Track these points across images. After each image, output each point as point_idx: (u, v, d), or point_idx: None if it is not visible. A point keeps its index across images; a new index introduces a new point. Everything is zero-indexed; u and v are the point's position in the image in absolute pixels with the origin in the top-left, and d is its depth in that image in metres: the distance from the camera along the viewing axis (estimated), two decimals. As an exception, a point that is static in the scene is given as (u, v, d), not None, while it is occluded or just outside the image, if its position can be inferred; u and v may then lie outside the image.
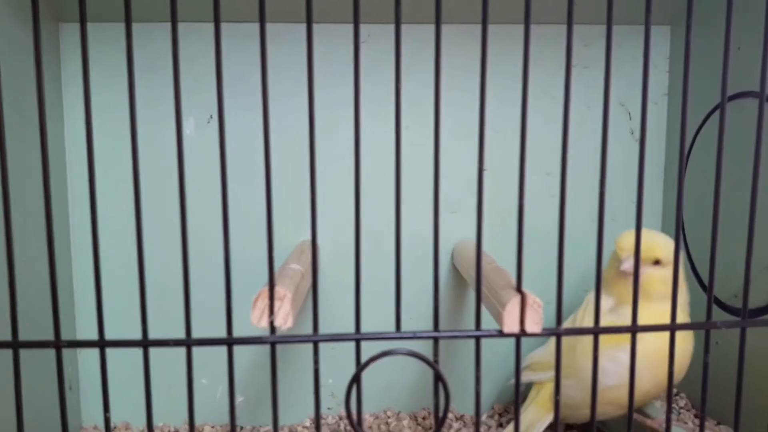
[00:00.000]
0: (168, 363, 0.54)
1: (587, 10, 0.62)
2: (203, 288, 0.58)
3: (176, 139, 0.40)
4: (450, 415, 0.79)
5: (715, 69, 0.68)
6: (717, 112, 0.70)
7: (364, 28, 0.76)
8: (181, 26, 0.73)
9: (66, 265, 0.73)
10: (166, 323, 0.48)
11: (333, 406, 0.81)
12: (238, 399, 0.80)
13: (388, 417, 0.77)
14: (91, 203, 0.40)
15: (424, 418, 0.78)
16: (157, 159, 0.72)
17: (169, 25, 0.73)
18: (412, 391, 0.81)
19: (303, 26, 0.75)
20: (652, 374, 0.59)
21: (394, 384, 0.81)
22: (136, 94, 0.76)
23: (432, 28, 0.75)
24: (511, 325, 0.42)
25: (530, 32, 0.39)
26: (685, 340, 0.62)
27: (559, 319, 0.43)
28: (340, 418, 0.78)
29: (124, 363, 0.57)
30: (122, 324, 0.61)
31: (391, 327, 0.42)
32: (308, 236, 0.76)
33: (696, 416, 0.71)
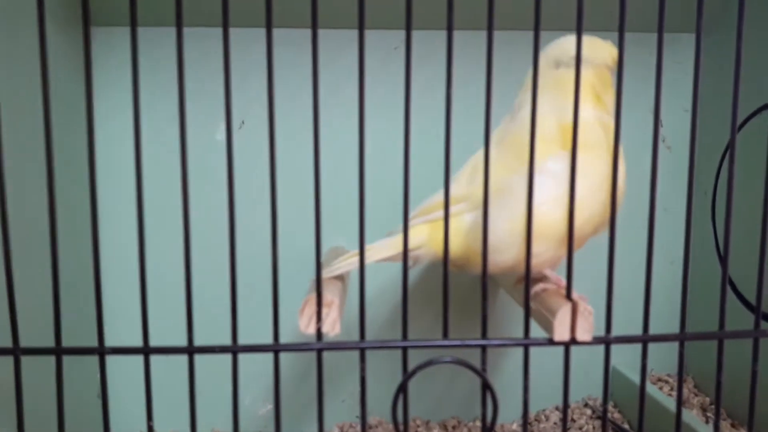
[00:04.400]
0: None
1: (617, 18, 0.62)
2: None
3: (226, 150, 0.40)
4: (477, 423, 0.78)
5: (749, 76, 0.68)
6: (751, 121, 0.69)
7: (395, 34, 0.76)
8: (212, 31, 0.73)
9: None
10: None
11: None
12: (267, 407, 0.79)
13: (418, 426, 0.76)
14: (138, 213, 0.40)
15: (454, 427, 0.77)
16: (189, 165, 0.72)
17: (200, 30, 0.73)
18: (440, 399, 0.80)
19: (335, 32, 0.75)
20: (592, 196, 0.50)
21: (422, 392, 0.80)
22: (166, 99, 0.76)
23: (462, 34, 0.75)
24: (562, 334, 0.42)
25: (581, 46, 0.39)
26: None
27: (608, 327, 0.42)
28: (369, 427, 0.78)
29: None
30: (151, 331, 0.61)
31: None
32: (338, 242, 0.76)
33: (733, 426, 0.70)
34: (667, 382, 0.80)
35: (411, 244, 0.53)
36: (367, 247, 0.54)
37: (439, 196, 0.55)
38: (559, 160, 0.49)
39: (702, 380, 0.81)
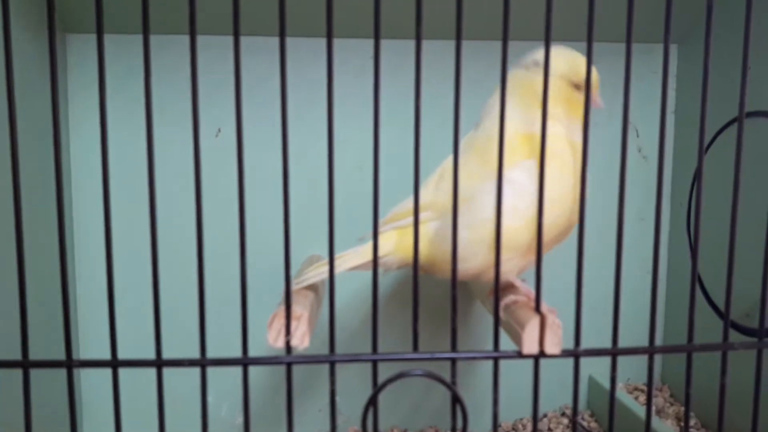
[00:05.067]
0: (169, 380, 0.53)
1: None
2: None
3: (194, 161, 0.39)
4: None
5: (723, 87, 0.69)
6: (726, 131, 0.70)
7: (373, 43, 0.76)
8: (186, 39, 0.73)
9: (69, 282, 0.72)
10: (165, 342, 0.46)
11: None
12: (239, 419, 0.79)
13: (395, 436, 0.76)
14: (105, 224, 0.39)
15: (431, 437, 0.77)
16: (162, 175, 0.72)
17: (175, 37, 0.73)
18: (417, 408, 0.80)
19: (312, 40, 0.75)
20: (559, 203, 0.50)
21: (399, 402, 0.80)
22: (138, 107, 0.75)
23: (440, 43, 0.75)
24: (531, 347, 0.42)
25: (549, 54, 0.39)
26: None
27: (577, 340, 0.42)
28: (346, 437, 0.78)
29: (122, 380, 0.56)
30: (123, 343, 0.60)
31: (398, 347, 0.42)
32: (314, 250, 0.76)
33: (705, 436, 0.71)
34: (643, 391, 0.81)
35: (380, 251, 0.53)
36: (338, 256, 0.54)
37: (408, 203, 0.56)
38: (519, 170, 0.49)
39: (678, 390, 0.81)
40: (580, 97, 0.52)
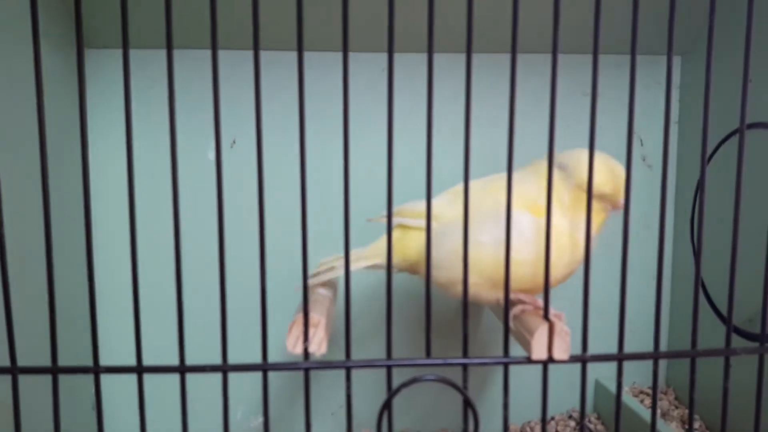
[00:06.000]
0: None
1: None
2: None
3: (216, 172, 0.41)
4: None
5: (725, 99, 0.70)
6: (729, 141, 0.71)
7: (385, 57, 0.78)
8: (202, 53, 0.75)
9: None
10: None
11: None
12: (258, 420, 0.80)
13: (406, 439, 0.78)
14: (131, 234, 0.41)
15: (442, 440, 0.78)
16: (181, 183, 0.74)
17: (187, 51, 0.75)
18: (430, 412, 0.82)
19: (327, 54, 0.77)
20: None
21: (411, 405, 0.81)
22: (159, 119, 0.77)
23: (451, 57, 0.77)
24: (540, 353, 0.43)
25: (557, 63, 0.41)
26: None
27: (585, 346, 0.44)
28: (359, 440, 0.79)
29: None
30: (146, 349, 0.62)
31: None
32: (329, 257, 0.77)
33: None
34: (648, 394, 0.82)
35: (383, 248, 0.57)
36: (338, 255, 0.59)
37: (417, 205, 0.59)
38: (527, 219, 0.53)
39: (683, 393, 0.82)
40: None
